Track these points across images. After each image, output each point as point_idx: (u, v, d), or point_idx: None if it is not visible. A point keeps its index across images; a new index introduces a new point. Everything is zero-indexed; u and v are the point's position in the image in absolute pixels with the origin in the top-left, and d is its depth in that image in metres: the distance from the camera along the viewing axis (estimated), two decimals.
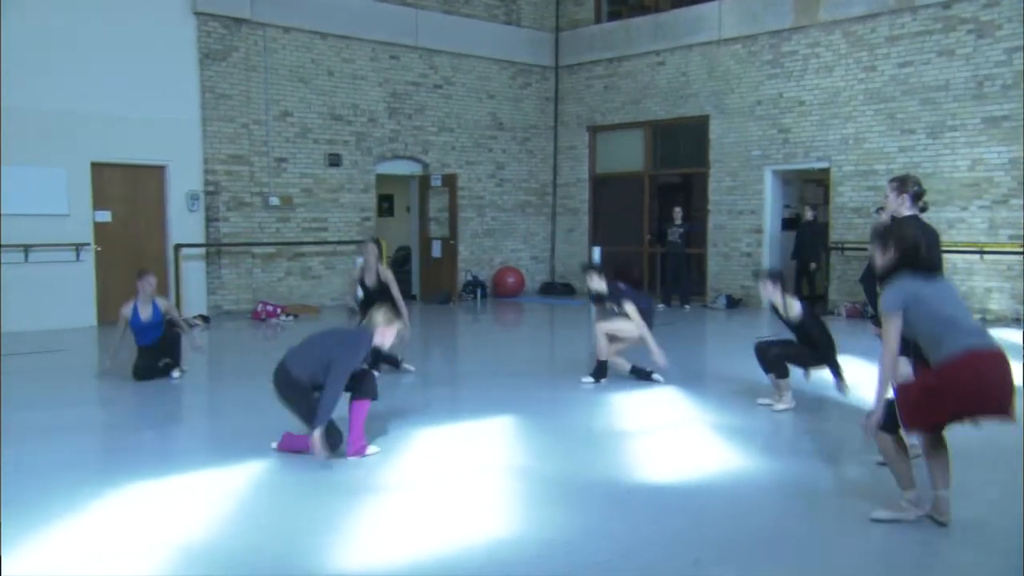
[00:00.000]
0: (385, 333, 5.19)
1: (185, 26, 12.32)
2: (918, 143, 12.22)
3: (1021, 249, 11.25)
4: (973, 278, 11.84)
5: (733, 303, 13.91)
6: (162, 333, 7.83)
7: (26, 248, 11.01)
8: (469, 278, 15.51)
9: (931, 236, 5.10)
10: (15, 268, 10.96)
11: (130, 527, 4.12)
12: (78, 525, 4.13)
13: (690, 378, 7.81)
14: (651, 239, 15.19)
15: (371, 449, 5.25)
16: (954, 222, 11.96)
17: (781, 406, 6.31)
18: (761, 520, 4.23)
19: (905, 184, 5.31)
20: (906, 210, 5.25)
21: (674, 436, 5.82)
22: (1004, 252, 11.41)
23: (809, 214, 13.44)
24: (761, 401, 6.53)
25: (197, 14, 12.38)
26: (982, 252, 11.51)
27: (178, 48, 12.26)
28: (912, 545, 3.88)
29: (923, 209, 5.32)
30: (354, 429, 5.17)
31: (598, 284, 7.50)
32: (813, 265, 13.19)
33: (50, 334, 10.57)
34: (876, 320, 5.15)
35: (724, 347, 10.74)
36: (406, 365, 8.03)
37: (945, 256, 11.77)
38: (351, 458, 5.10)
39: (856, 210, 12.87)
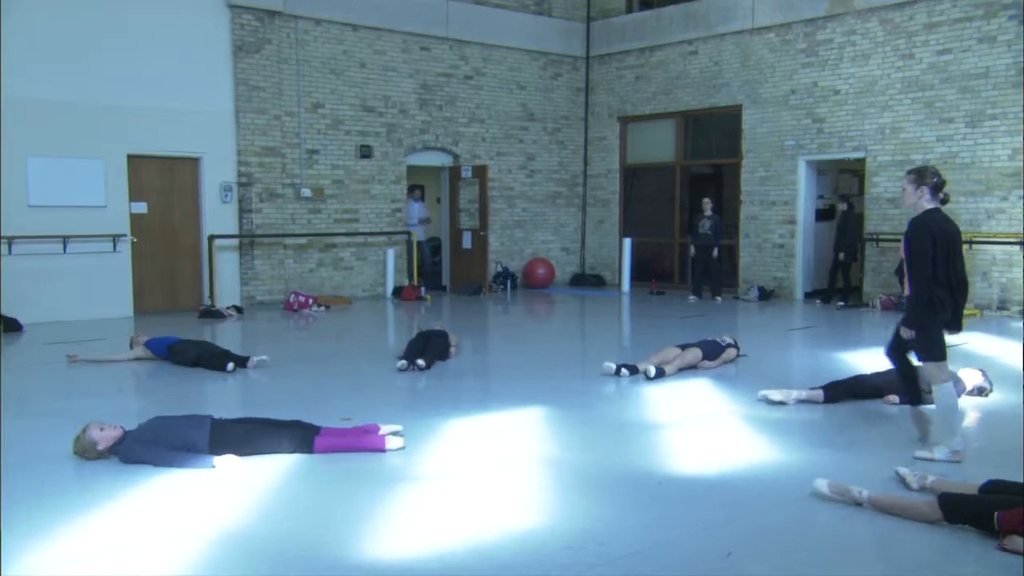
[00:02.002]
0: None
1: (219, 19, 12.44)
2: (956, 132, 12.02)
3: None
4: (1013, 270, 11.63)
5: (765, 295, 13.79)
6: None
7: (64, 239, 11.22)
8: (499, 269, 15.53)
9: (952, 231, 5.03)
10: (53, 259, 11.17)
11: (167, 515, 4.20)
12: (117, 512, 4.22)
13: (721, 370, 7.76)
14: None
15: (393, 443, 5.21)
16: (993, 212, 11.75)
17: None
18: (793, 514, 4.21)
19: (924, 176, 5.08)
20: (927, 203, 5.08)
21: (706, 428, 5.79)
22: None
23: (842, 205, 13.28)
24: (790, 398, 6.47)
25: (231, 7, 12.50)
26: (1022, 243, 11.29)
27: (212, 41, 12.39)
28: (943, 539, 3.85)
29: (944, 201, 5.13)
30: (358, 443, 5.19)
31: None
32: (841, 256, 13.02)
33: (88, 324, 10.77)
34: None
35: (756, 339, 10.65)
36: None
37: (984, 247, 11.66)
38: (382, 453, 5.14)
39: (892, 201, 12.68)
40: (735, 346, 8.16)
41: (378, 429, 5.37)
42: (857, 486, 4.29)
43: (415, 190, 15.38)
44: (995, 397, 6.63)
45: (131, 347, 8.32)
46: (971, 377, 6.64)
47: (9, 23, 10.64)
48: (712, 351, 7.88)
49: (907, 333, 5.10)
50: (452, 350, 8.45)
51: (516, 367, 8.37)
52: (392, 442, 5.20)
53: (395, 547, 3.79)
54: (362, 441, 5.18)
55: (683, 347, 7.82)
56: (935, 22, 12.12)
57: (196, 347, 8.09)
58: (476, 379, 8.03)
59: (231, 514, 4.18)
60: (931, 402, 5.28)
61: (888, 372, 6.66)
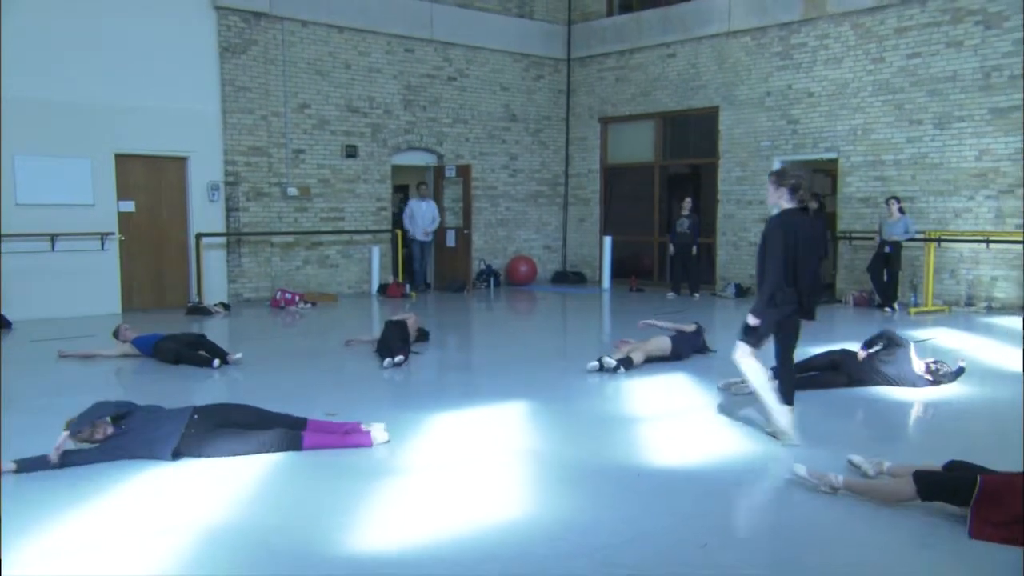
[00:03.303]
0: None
1: (205, 20, 12.34)
2: (925, 133, 12.12)
3: None
4: (980, 267, 11.75)
5: (742, 292, 13.86)
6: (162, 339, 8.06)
7: (52, 237, 11.10)
8: (483, 267, 15.52)
9: (806, 230, 5.18)
10: (42, 257, 11.05)
11: (155, 508, 4.16)
12: (103, 507, 4.18)
13: (699, 365, 7.79)
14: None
15: (379, 436, 5.16)
16: (961, 212, 11.87)
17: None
18: (768, 505, 4.24)
19: (783, 178, 5.28)
20: (785, 203, 5.26)
21: (684, 422, 5.81)
22: (1010, 241, 11.31)
23: (813, 204, 13.31)
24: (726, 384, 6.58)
25: (217, 8, 12.40)
26: (988, 241, 11.42)
27: (199, 42, 12.29)
28: (915, 530, 3.88)
29: (802, 202, 5.27)
30: (344, 441, 5.11)
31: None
32: None
33: (76, 321, 10.66)
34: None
35: (732, 335, 10.71)
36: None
37: (951, 245, 11.77)
38: (369, 447, 5.10)
39: (864, 200, 12.78)
40: (698, 331, 8.26)
41: (359, 427, 5.30)
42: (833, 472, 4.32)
43: (421, 187, 15.00)
44: (963, 390, 6.69)
45: (116, 337, 8.22)
46: (918, 366, 6.74)
47: (2, 25, 10.52)
48: (682, 346, 7.90)
49: (753, 321, 5.27)
50: (412, 335, 8.49)
51: (499, 362, 8.37)
52: (378, 435, 5.16)
53: (380, 539, 3.78)
54: (347, 440, 5.12)
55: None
56: (905, 27, 12.22)
57: (177, 343, 7.93)
58: (460, 374, 8.03)
59: (217, 509, 4.14)
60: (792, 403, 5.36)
61: (856, 365, 6.78)
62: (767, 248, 5.18)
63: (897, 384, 6.63)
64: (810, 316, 5.30)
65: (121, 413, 4.91)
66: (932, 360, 6.81)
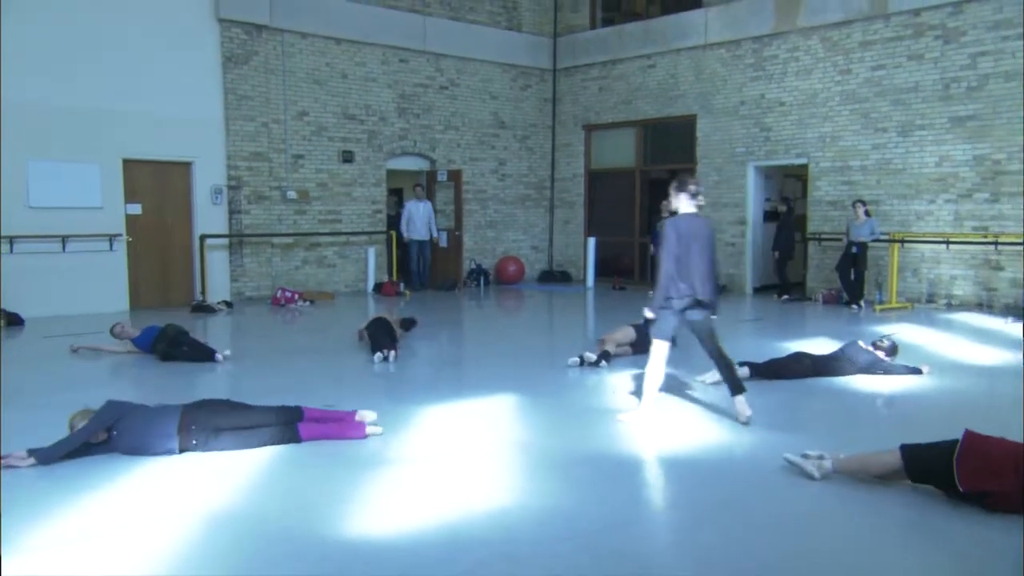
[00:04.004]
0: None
1: (209, 32, 12.29)
2: (889, 141, 12.21)
3: (983, 240, 11.26)
4: (940, 266, 11.86)
5: (719, 289, 13.88)
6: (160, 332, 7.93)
7: (63, 239, 11.04)
8: (473, 266, 15.52)
9: (700, 232, 5.33)
10: (53, 257, 10.99)
11: (158, 498, 4.15)
12: (108, 496, 4.17)
13: (676, 358, 7.82)
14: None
15: (372, 428, 5.17)
16: (922, 214, 11.97)
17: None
18: (738, 487, 4.27)
19: (682, 185, 5.47)
20: (683, 207, 5.43)
21: (662, 412, 5.85)
22: (968, 242, 11.42)
23: (782, 207, 13.42)
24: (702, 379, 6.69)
25: (220, 21, 12.35)
26: (948, 242, 11.52)
27: (203, 52, 12.24)
28: (901, 515, 3.92)
29: (700, 207, 5.47)
30: (340, 432, 5.08)
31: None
32: (776, 254, 13.17)
33: (86, 318, 10.61)
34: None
35: None
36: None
37: (914, 246, 11.86)
38: (361, 439, 5.10)
39: (832, 203, 12.87)
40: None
41: (355, 416, 5.30)
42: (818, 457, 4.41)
43: (417, 188, 14.84)
44: (926, 382, 6.76)
45: (112, 335, 8.12)
46: (866, 348, 7.02)
47: (16, 34, 10.44)
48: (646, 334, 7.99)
49: (649, 314, 5.47)
50: (397, 332, 8.51)
51: (488, 357, 8.39)
52: (371, 428, 5.19)
53: (375, 525, 3.79)
54: (343, 431, 5.13)
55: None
56: (870, 40, 12.30)
57: (166, 344, 7.80)
58: (450, 368, 8.04)
59: (219, 497, 4.14)
60: (743, 389, 5.53)
61: (815, 357, 6.92)
62: (663, 248, 5.38)
63: (855, 368, 6.85)
64: (711, 310, 5.46)
65: (115, 419, 4.73)
66: (876, 340, 7.10)
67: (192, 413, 4.84)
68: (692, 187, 5.43)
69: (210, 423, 4.83)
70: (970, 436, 3.94)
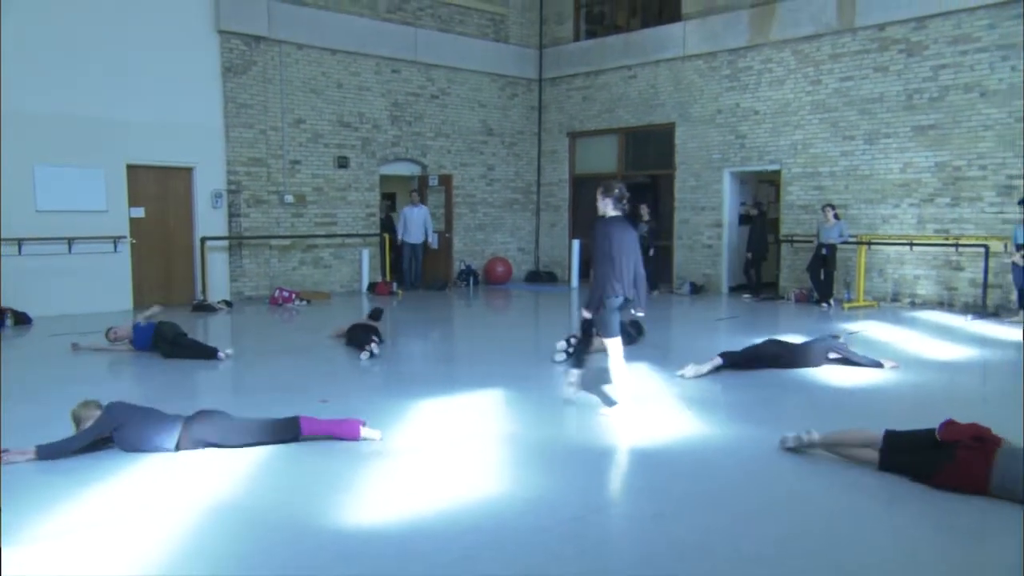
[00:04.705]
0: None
1: (210, 43, 12.22)
2: (857, 148, 12.30)
3: (945, 242, 11.36)
4: (904, 267, 11.95)
5: (696, 289, 13.98)
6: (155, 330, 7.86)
7: (69, 241, 10.95)
8: (463, 267, 15.51)
9: (628, 234, 5.43)
10: (60, 259, 10.90)
11: (159, 490, 4.13)
12: (112, 487, 4.15)
13: (657, 355, 7.86)
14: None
15: (368, 432, 4.93)
16: (888, 217, 12.06)
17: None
18: (715, 479, 4.29)
19: (608, 190, 5.53)
20: (610, 211, 5.51)
21: (642, 406, 5.86)
22: (930, 244, 11.52)
23: (754, 211, 13.47)
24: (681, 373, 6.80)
25: (220, 32, 12.28)
26: (912, 244, 11.61)
27: (204, 63, 12.16)
28: (879, 495, 3.96)
29: (625, 210, 5.53)
30: (336, 429, 4.93)
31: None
32: (749, 255, 13.24)
33: (91, 317, 10.52)
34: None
35: (687, 328, 10.81)
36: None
37: (880, 248, 11.95)
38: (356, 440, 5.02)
39: (803, 207, 12.94)
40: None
41: (356, 424, 5.04)
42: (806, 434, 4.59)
43: (413, 195, 14.65)
44: (891, 376, 6.81)
45: (106, 338, 8.01)
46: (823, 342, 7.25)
47: (28, 47, 10.35)
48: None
49: (586, 314, 5.59)
50: (374, 325, 8.52)
51: (477, 354, 8.39)
52: (368, 432, 4.96)
53: (370, 514, 3.79)
54: (340, 430, 4.99)
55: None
56: (838, 53, 12.38)
57: (166, 344, 7.73)
58: (441, 365, 8.03)
59: (219, 489, 4.13)
60: (583, 365, 5.88)
61: (785, 344, 7.02)
62: (597, 250, 5.45)
63: (822, 355, 7.04)
64: (640, 307, 5.56)
65: (114, 429, 4.65)
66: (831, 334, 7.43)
67: (191, 429, 4.70)
68: (616, 192, 5.51)
69: (208, 442, 4.71)
70: (949, 421, 4.15)
